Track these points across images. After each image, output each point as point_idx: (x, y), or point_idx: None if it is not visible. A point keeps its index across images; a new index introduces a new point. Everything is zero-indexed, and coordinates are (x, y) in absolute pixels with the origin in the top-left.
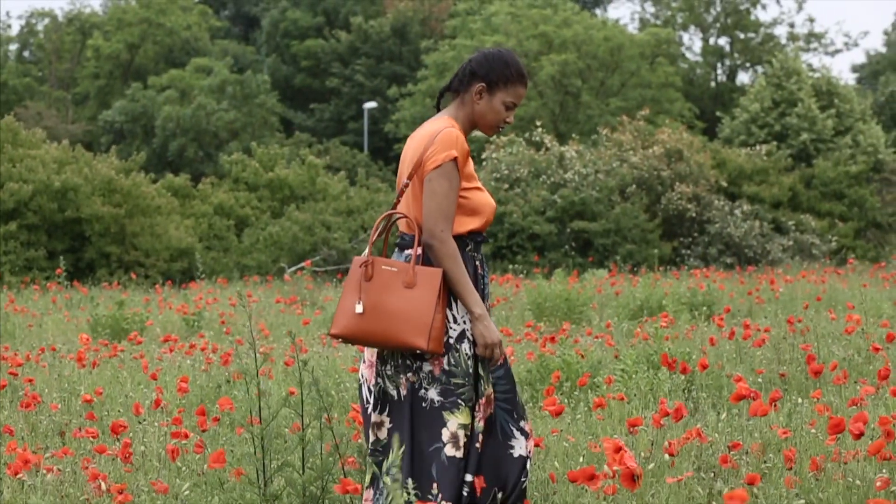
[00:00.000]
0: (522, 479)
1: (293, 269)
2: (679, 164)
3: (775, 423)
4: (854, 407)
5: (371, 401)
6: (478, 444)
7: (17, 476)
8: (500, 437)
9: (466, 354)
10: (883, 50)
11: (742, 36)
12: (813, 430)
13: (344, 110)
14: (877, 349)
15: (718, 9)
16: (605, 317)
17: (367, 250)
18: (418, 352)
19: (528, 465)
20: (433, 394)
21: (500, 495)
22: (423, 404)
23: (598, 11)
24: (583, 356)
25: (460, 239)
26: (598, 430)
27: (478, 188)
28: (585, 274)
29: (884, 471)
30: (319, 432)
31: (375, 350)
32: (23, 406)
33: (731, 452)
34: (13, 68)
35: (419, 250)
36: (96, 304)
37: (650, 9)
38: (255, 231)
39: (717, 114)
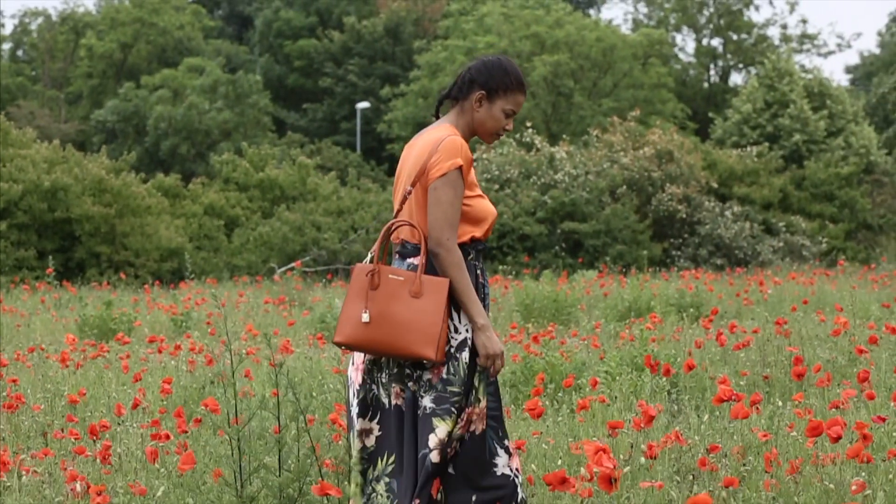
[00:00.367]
0: (523, 498)
1: (283, 269)
2: (669, 165)
3: (757, 426)
4: (835, 410)
5: (357, 405)
6: (449, 450)
7: None
8: (486, 456)
9: (465, 364)
10: (877, 51)
11: (735, 37)
12: (793, 434)
13: (337, 110)
14: (860, 351)
15: (711, 10)
16: (593, 318)
17: (373, 258)
18: (425, 362)
19: (519, 487)
20: (427, 401)
21: None
22: (419, 411)
23: (591, 12)
24: (567, 358)
25: (462, 247)
26: (581, 432)
27: (480, 196)
28: (575, 275)
29: (863, 474)
30: (297, 434)
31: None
32: (6, 407)
33: (711, 455)
34: (6, 67)
35: (425, 259)
36: (85, 304)
37: (643, 9)
38: (246, 231)
39: (710, 115)
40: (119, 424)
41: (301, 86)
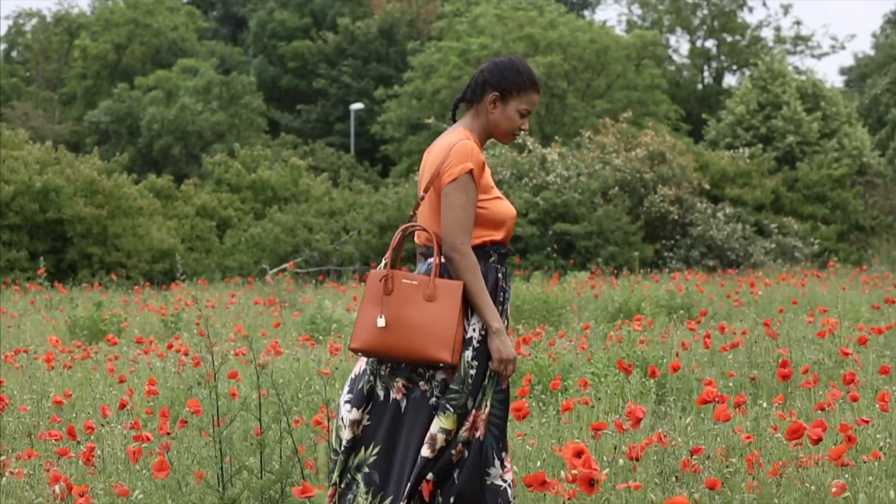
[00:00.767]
0: None
1: (275, 270)
2: (662, 166)
3: (742, 428)
4: (820, 412)
5: (352, 394)
6: (453, 452)
7: None
8: (481, 464)
9: (467, 363)
10: (871, 52)
11: (729, 38)
12: (777, 435)
13: (330, 111)
14: (845, 353)
15: (705, 11)
16: (583, 319)
17: (386, 263)
18: (441, 365)
19: (510, 500)
20: (433, 401)
21: None
22: (434, 412)
23: (586, 13)
24: (555, 359)
25: (482, 250)
26: (566, 434)
27: (497, 198)
28: (566, 276)
29: (847, 476)
30: (279, 436)
31: None
32: None
33: (693, 457)
34: (0, 68)
35: (438, 263)
36: (75, 305)
37: (637, 11)
38: (238, 232)
39: (704, 116)
40: (103, 426)
41: (295, 87)
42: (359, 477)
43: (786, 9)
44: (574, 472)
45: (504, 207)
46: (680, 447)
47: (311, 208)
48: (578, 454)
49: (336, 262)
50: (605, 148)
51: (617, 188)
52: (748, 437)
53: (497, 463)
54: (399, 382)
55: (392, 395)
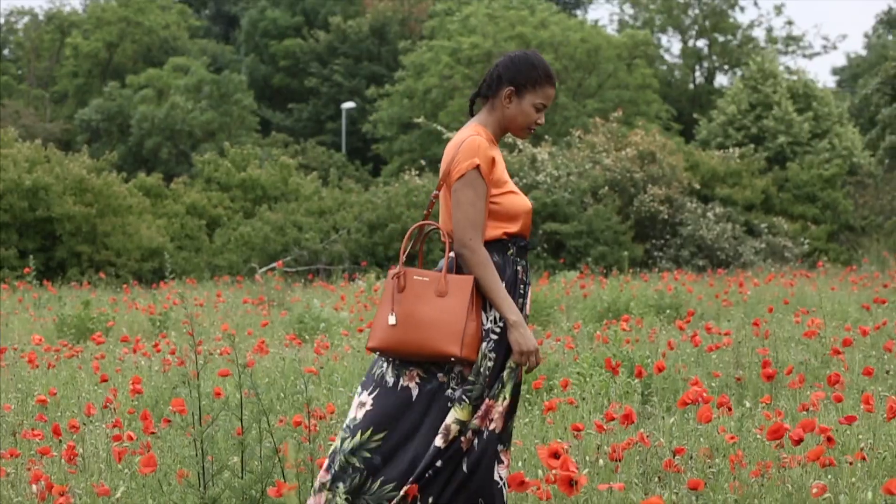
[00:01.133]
0: None
1: (264, 269)
2: (652, 166)
3: (726, 428)
4: (805, 412)
5: (366, 378)
6: (462, 439)
7: None
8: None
9: (483, 354)
10: (863, 53)
11: (721, 38)
12: (760, 436)
13: (322, 110)
14: (836, 352)
15: (696, 11)
16: (571, 319)
17: (399, 261)
18: (452, 359)
19: (504, 496)
20: (458, 393)
21: None
22: (449, 404)
23: (578, 13)
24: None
25: (500, 243)
26: (550, 434)
27: (510, 192)
28: (556, 275)
29: (829, 476)
30: (259, 435)
31: None
32: None
33: (676, 457)
34: None
35: (449, 259)
36: (63, 303)
37: (629, 10)
38: (227, 231)
39: (695, 116)
40: (85, 425)
41: (286, 85)
42: (354, 460)
43: (778, 9)
44: (553, 472)
45: (517, 201)
46: (663, 447)
47: (301, 207)
48: (555, 455)
49: (325, 262)
50: (595, 147)
51: (607, 187)
52: (732, 438)
53: (502, 457)
54: (413, 371)
55: (402, 383)
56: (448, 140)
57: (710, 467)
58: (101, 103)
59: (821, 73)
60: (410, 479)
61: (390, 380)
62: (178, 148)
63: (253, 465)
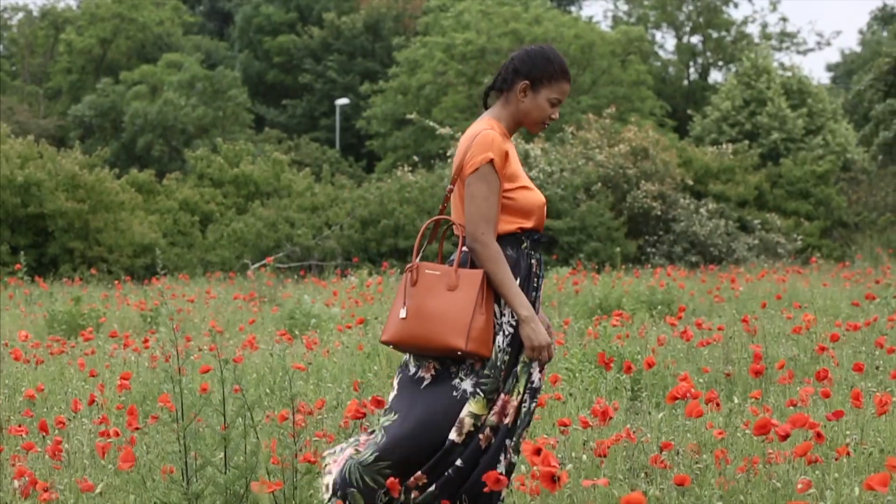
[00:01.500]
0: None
1: (256, 265)
2: (645, 162)
3: (715, 424)
4: (793, 407)
5: (400, 365)
6: (481, 437)
7: None
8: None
9: (499, 347)
10: (858, 49)
11: (715, 35)
12: (748, 431)
13: (316, 106)
14: (822, 349)
15: (690, 7)
16: (563, 315)
17: (414, 256)
18: (458, 353)
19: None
20: (467, 385)
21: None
22: (455, 393)
23: (572, 9)
24: None
25: (514, 237)
26: (538, 430)
27: (523, 187)
28: (548, 271)
29: (817, 472)
30: (244, 431)
31: None
32: None
33: (663, 453)
34: None
35: (461, 253)
36: (54, 299)
37: (623, 7)
38: (220, 227)
39: (689, 112)
40: (71, 420)
41: (280, 82)
42: (363, 438)
43: (774, 5)
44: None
45: (530, 196)
46: (650, 443)
47: (294, 203)
48: (537, 452)
49: (318, 258)
50: (588, 143)
51: (600, 184)
52: (720, 433)
53: (510, 451)
54: (430, 364)
55: (420, 374)
56: (441, 136)
57: (696, 463)
58: (94, 99)
59: (815, 69)
60: (420, 471)
61: (412, 369)
62: (170, 144)
63: (237, 460)
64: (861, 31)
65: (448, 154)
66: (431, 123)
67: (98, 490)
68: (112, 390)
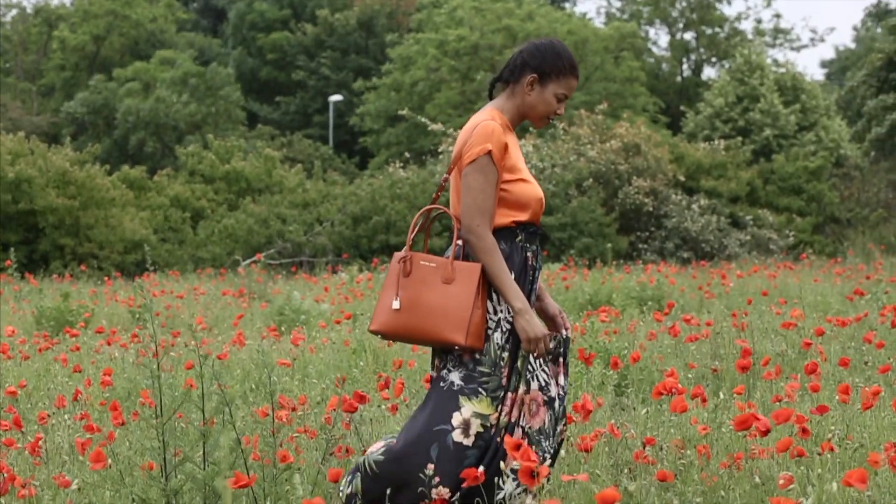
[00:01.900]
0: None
1: (248, 261)
2: (636, 158)
3: (700, 420)
4: (778, 403)
5: None
6: (499, 440)
7: None
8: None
9: (497, 345)
10: (852, 46)
11: (708, 31)
12: (730, 426)
13: (309, 103)
14: (808, 344)
15: (684, 3)
16: None
17: (406, 245)
18: (456, 347)
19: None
20: (455, 377)
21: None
22: (442, 384)
23: (566, 5)
24: None
25: (509, 230)
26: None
27: (522, 180)
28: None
29: (802, 468)
30: (223, 427)
31: None
32: None
33: (647, 449)
34: None
35: (457, 245)
36: (43, 296)
37: (616, 3)
38: (211, 223)
39: (682, 108)
40: (51, 416)
41: (274, 79)
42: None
43: (768, 1)
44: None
45: (528, 190)
46: (634, 439)
47: (285, 199)
48: (517, 447)
49: (309, 254)
50: (580, 139)
51: (591, 180)
52: (704, 429)
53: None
54: (436, 361)
55: (434, 373)
56: (434, 133)
57: (680, 458)
58: (87, 96)
59: (810, 66)
60: (441, 481)
61: (433, 373)
62: (163, 141)
63: (217, 456)
64: (855, 28)
65: (440, 150)
66: (423, 120)
67: (74, 486)
68: (97, 387)
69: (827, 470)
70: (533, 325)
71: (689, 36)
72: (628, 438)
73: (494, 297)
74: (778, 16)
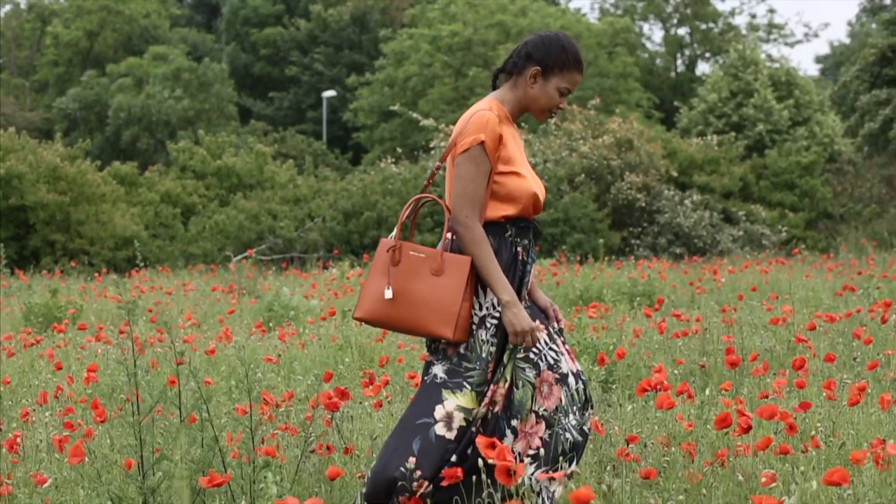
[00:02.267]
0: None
1: (239, 257)
2: (629, 153)
3: (686, 416)
4: (764, 399)
5: None
6: (473, 430)
7: None
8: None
9: (483, 340)
10: (847, 41)
11: (702, 26)
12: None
13: (303, 99)
14: (799, 340)
15: None
16: None
17: (395, 233)
18: (443, 341)
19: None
20: (439, 370)
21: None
22: (426, 377)
23: (560, 0)
24: None
25: (498, 224)
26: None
27: (515, 173)
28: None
29: (787, 465)
30: (200, 424)
31: None
32: None
33: (630, 446)
34: None
35: (447, 236)
36: (32, 292)
37: None
38: (202, 219)
39: (676, 104)
40: (34, 412)
41: (267, 74)
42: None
43: None
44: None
45: (521, 184)
46: (618, 436)
47: (276, 195)
48: (492, 446)
49: (300, 250)
50: (573, 135)
51: (583, 175)
52: (689, 425)
53: (508, 432)
54: (424, 353)
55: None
56: (426, 128)
57: (664, 456)
58: (79, 92)
59: (805, 61)
60: (423, 474)
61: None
62: (155, 137)
63: (195, 453)
64: (850, 23)
65: (432, 146)
66: (416, 115)
67: (48, 484)
68: (80, 383)
69: (811, 467)
70: (520, 319)
71: (683, 31)
72: (612, 435)
73: (480, 291)
74: (772, 11)
